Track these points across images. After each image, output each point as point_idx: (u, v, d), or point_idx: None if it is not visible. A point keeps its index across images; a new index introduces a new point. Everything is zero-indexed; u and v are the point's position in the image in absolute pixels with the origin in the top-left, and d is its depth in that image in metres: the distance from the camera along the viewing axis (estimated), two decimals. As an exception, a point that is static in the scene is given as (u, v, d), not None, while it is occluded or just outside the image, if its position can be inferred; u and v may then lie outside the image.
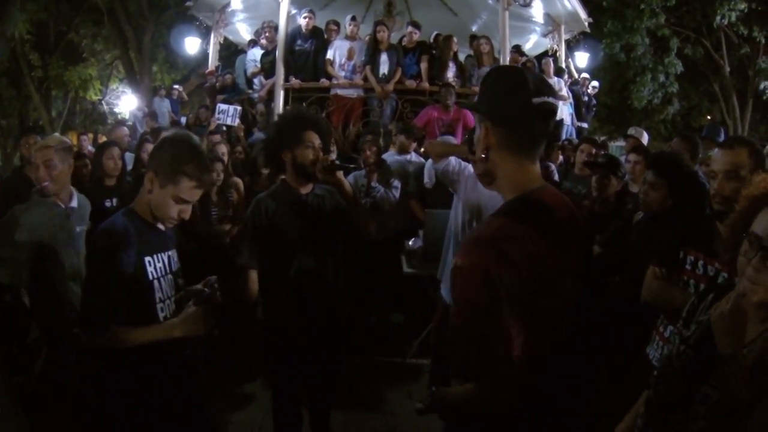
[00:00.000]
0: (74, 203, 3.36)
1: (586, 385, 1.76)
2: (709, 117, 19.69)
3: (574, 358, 1.52)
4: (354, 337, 4.88)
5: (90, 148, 7.62)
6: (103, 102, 21.68)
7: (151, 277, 2.11)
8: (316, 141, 2.89)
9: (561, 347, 1.46)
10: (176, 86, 12.99)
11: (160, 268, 2.16)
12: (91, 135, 9.29)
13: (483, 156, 1.53)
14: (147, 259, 2.10)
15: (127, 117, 14.98)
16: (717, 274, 2.19)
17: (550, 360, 1.42)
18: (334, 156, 3.01)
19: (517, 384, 1.40)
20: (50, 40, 18.30)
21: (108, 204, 4.16)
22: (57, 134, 3.39)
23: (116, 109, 21.90)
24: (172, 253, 2.28)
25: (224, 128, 7.39)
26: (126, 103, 19.69)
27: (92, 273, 2.09)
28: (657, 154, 3.64)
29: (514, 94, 1.46)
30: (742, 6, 13.92)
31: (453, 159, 3.60)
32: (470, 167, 3.58)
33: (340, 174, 2.89)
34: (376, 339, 5.31)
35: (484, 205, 3.42)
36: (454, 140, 4.93)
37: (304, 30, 7.74)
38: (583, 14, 9.46)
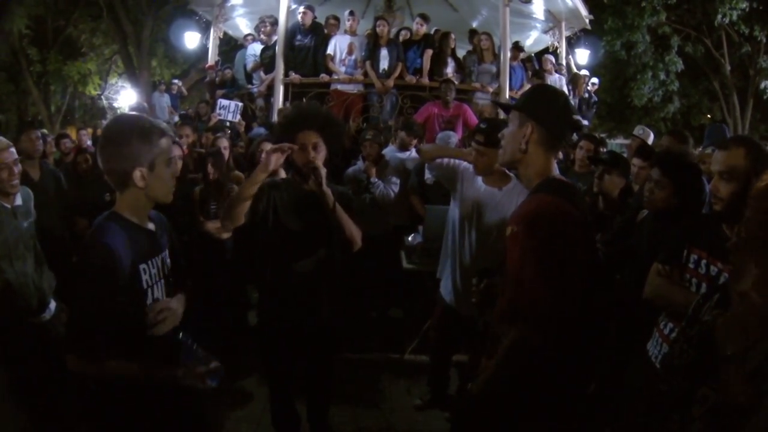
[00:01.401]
0: (18, 201, 3.31)
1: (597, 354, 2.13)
2: (709, 116, 19.69)
3: (591, 324, 1.91)
4: (350, 334, 4.88)
5: (89, 143, 7.58)
6: (102, 97, 21.73)
7: (145, 286, 1.98)
8: (311, 141, 2.82)
9: (584, 308, 1.82)
10: (175, 81, 12.97)
11: (154, 274, 2.03)
12: (90, 130, 9.29)
13: (523, 148, 1.96)
14: (142, 266, 1.97)
15: (126, 111, 14.96)
16: (719, 274, 2.19)
17: (575, 317, 1.78)
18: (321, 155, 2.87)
19: (549, 330, 1.75)
20: (49, 35, 18.30)
21: (108, 197, 4.15)
22: None
23: (115, 104, 21.90)
24: (165, 254, 2.16)
25: (227, 124, 7.34)
26: (125, 97, 19.68)
27: (84, 292, 1.87)
28: (663, 152, 3.61)
29: (564, 109, 2.02)
30: (743, 5, 13.91)
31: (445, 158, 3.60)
32: (464, 164, 3.57)
33: (321, 183, 2.72)
34: (375, 335, 5.29)
35: (482, 201, 3.41)
36: (454, 136, 4.91)
37: (302, 25, 7.70)
38: (583, 11, 9.44)
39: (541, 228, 1.78)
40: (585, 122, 9.52)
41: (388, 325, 5.57)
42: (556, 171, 2.01)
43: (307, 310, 2.91)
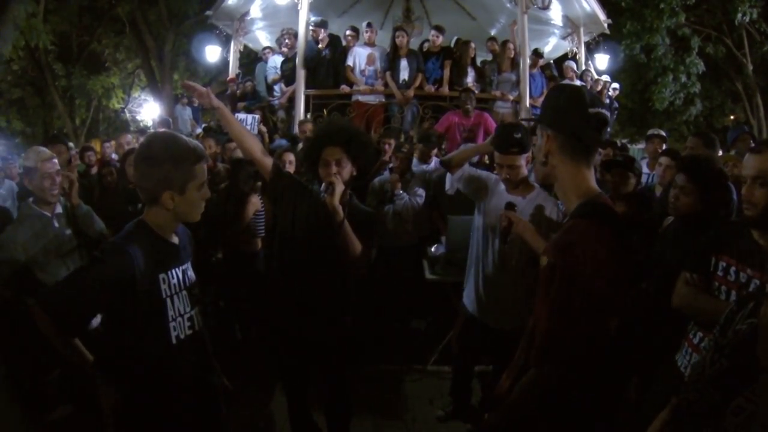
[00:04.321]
0: (59, 209, 3.48)
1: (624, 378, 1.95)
2: (732, 117, 19.40)
3: (620, 351, 1.79)
4: (372, 345, 4.90)
5: (113, 155, 7.68)
6: (125, 110, 22.12)
7: (164, 295, 2.03)
8: (334, 156, 2.84)
9: (614, 338, 1.71)
10: (197, 94, 13.10)
11: (174, 284, 2.08)
12: (114, 142, 9.44)
13: (543, 159, 1.77)
14: (161, 276, 2.03)
15: (149, 125, 15.19)
16: (749, 281, 2.15)
17: (606, 348, 1.68)
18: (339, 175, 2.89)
19: (570, 369, 1.64)
20: (73, 51, 18.73)
21: (131, 208, 4.27)
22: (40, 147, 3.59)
23: (138, 117, 22.29)
24: (187, 266, 2.20)
25: None
26: (148, 110, 20.02)
27: (87, 278, 1.89)
28: (689, 157, 3.55)
29: (574, 104, 1.72)
30: (763, 2, 13.70)
31: (467, 166, 3.61)
32: (494, 176, 3.58)
33: (333, 198, 2.72)
34: (397, 345, 5.30)
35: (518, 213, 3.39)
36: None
37: (316, 40, 7.78)
38: (602, 15, 9.40)
39: (575, 261, 1.60)
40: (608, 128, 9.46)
41: (410, 335, 5.57)
42: (595, 187, 1.79)
43: (323, 321, 2.93)
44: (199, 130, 9.93)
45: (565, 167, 1.76)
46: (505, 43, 8.06)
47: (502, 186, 3.46)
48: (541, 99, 8.12)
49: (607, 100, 9.53)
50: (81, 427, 3.07)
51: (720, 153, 5.73)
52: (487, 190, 3.54)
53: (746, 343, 1.46)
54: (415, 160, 5.80)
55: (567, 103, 1.75)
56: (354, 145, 2.91)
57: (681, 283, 2.42)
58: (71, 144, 12.06)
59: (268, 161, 2.94)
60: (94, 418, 2.18)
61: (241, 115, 7.71)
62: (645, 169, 5.62)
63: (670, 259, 2.76)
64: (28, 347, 2.25)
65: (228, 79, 10.15)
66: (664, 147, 5.76)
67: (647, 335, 2.84)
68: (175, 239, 2.18)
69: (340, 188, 2.74)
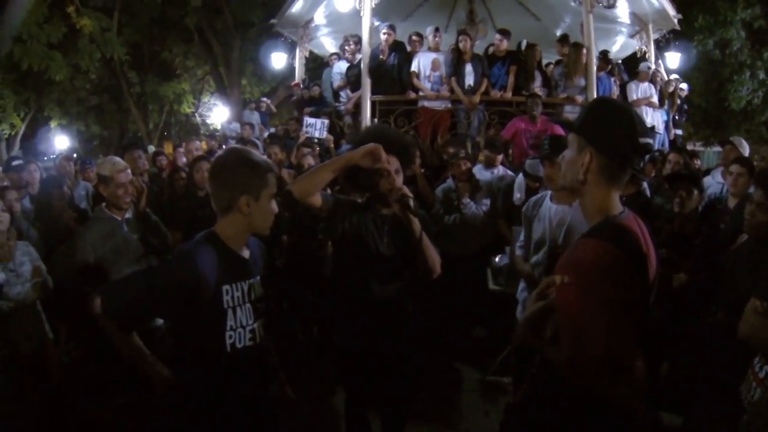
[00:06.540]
0: (129, 214, 3.72)
1: None
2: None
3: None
4: (432, 352, 4.88)
5: (183, 159, 7.92)
6: (196, 114, 23.09)
7: (225, 306, 2.09)
8: (393, 166, 2.76)
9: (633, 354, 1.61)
10: (264, 99, 13.46)
11: (237, 297, 2.13)
12: (186, 144, 9.79)
13: (582, 178, 1.68)
14: (225, 287, 2.09)
15: (219, 128, 15.68)
16: None
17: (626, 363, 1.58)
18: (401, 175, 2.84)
19: (610, 385, 1.55)
20: (146, 59, 19.69)
21: (200, 213, 4.42)
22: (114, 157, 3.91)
23: (208, 120, 23.15)
24: (255, 280, 2.23)
25: (315, 140, 7.56)
26: (217, 114, 20.74)
27: (151, 281, 2.02)
28: (766, 171, 3.37)
29: (626, 131, 1.63)
30: None
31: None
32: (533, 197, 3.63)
33: (411, 211, 2.66)
34: (457, 353, 5.27)
35: (553, 220, 3.34)
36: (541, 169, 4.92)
37: (384, 45, 7.79)
38: (671, 11, 9.03)
39: (603, 279, 1.52)
40: (679, 132, 9.14)
41: (471, 344, 5.52)
42: (618, 206, 1.70)
43: (387, 334, 2.90)
44: (267, 134, 10.20)
45: (597, 189, 1.68)
46: (578, 47, 7.73)
47: (547, 198, 3.45)
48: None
49: (678, 101, 9.21)
50: (141, 415, 3.25)
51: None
52: (531, 210, 3.56)
53: None
54: (480, 166, 5.80)
55: (618, 126, 1.65)
56: (405, 155, 2.88)
57: (750, 311, 2.31)
58: (151, 146, 12.69)
59: (318, 198, 2.83)
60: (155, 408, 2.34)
61: (311, 120, 7.89)
62: (719, 178, 5.37)
63: (743, 282, 2.64)
64: (100, 337, 2.42)
65: (293, 83, 10.37)
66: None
67: (714, 361, 2.73)
68: (246, 252, 2.24)
69: (412, 200, 2.68)
